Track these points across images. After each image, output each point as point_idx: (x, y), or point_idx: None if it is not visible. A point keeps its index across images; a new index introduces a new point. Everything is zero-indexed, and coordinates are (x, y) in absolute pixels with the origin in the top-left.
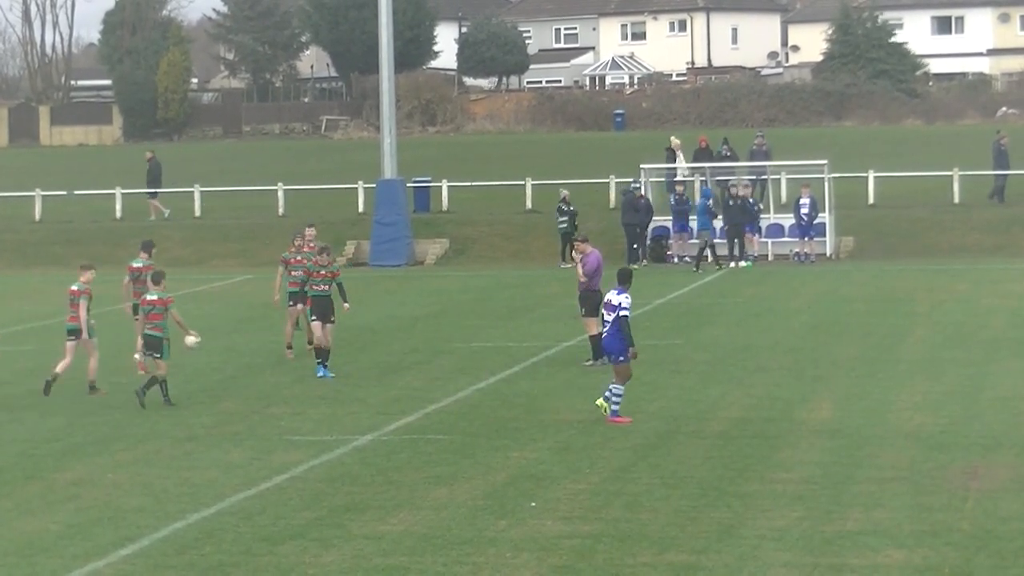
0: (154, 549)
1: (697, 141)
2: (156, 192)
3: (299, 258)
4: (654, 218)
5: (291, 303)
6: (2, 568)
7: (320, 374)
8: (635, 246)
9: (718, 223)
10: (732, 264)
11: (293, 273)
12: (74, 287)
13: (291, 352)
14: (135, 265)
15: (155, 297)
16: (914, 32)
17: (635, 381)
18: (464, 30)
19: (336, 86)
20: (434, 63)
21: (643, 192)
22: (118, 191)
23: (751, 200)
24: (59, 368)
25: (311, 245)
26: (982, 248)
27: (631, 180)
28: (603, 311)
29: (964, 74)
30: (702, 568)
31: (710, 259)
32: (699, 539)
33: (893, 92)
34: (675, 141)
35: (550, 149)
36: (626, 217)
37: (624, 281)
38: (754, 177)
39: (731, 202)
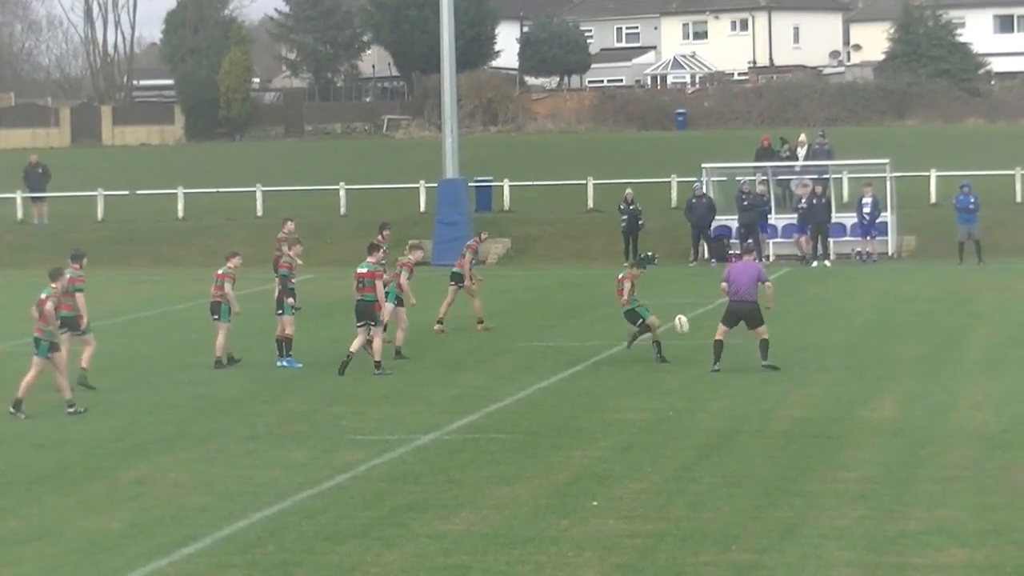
0: (217, 548)
1: (759, 140)
2: (40, 196)
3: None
4: (716, 217)
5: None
6: (66, 567)
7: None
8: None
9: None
10: (814, 264)
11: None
12: (220, 271)
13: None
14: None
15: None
16: (976, 31)
17: (697, 380)
18: (525, 29)
19: (398, 85)
20: (495, 62)
21: (704, 191)
22: (180, 191)
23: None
24: (219, 344)
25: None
26: None
27: (740, 179)
28: None
29: None
30: (764, 567)
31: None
32: (761, 538)
33: (955, 91)
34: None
35: (612, 148)
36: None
37: None
38: (815, 176)
39: (814, 200)
